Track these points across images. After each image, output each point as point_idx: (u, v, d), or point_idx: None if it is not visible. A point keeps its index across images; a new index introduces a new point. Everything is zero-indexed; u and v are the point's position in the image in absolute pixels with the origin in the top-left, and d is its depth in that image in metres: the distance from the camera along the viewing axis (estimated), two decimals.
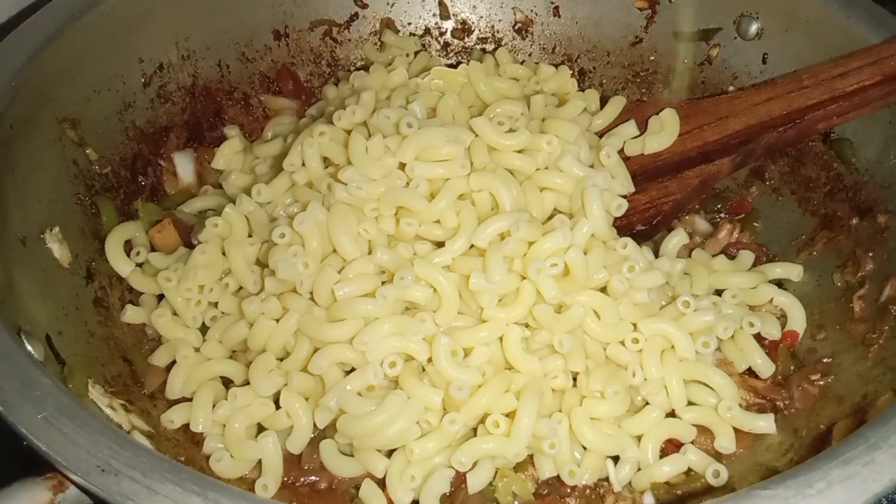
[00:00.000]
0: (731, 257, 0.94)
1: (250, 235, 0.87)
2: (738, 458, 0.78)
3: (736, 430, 0.79)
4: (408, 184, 0.82)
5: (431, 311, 0.77)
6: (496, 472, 0.76)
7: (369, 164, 0.82)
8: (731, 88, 1.03)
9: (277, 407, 0.77)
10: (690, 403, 0.80)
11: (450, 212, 0.81)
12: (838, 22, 0.90)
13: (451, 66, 1.15)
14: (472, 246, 0.80)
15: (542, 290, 0.77)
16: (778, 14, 0.97)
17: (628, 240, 0.82)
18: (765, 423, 0.78)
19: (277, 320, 0.79)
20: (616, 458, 0.77)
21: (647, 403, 0.79)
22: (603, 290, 0.81)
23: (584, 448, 0.76)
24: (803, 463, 0.54)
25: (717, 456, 0.78)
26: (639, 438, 0.78)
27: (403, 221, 0.81)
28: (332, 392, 0.74)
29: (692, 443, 0.78)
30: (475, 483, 0.74)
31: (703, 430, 0.80)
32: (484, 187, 0.83)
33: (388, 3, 1.15)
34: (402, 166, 0.82)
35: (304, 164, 0.87)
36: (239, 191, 0.96)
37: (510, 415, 0.74)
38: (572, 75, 1.09)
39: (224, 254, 0.86)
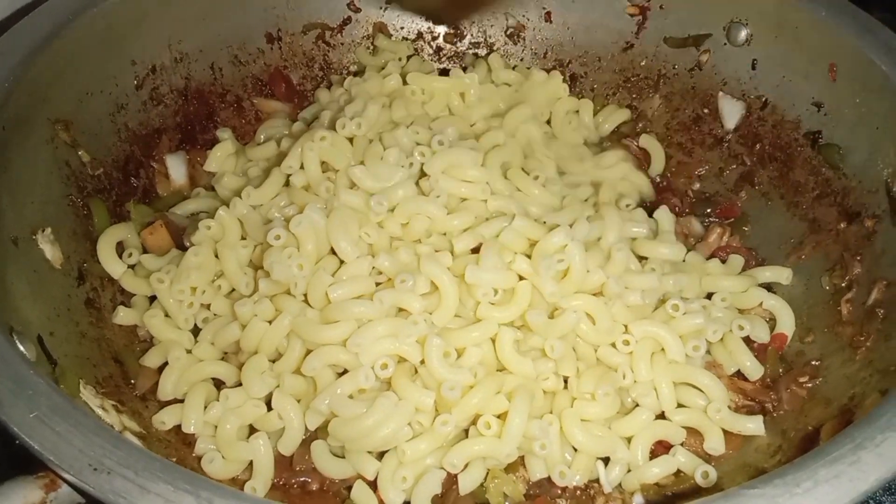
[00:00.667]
0: (722, 261, 0.95)
1: (243, 238, 0.87)
2: (726, 460, 0.78)
3: (725, 432, 0.79)
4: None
5: (427, 312, 0.78)
6: (487, 474, 0.76)
7: (385, 169, 0.83)
8: (720, 94, 1.04)
9: (269, 408, 0.77)
10: (680, 405, 0.80)
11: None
12: (826, 29, 0.91)
13: (443, 70, 1.16)
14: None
15: (542, 287, 0.77)
16: (767, 21, 0.98)
17: (623, 244, 0.83)
18: (754, 425, 0.79)
19: (270, 322, 0.79)
20: (606, 460, 0.78)
21: (638, 405, 0.80)
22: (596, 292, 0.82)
23: (575, 449, 0.77)
24: (791, 462, 0.55)
25: (707, 457, 0.79)
26: (629, 440, 0.78)
27: (416, 218, 0.82)
28: (324, 394, 0.74)
29: (682, 444, 0.79)
30: (466, 484, 0.74)
31: (693, 432, 0.80)
32: (501, 209, 0.85)
33: (380, 8, 1.15)
34: (419, 178, 0.85)
35: (301, 168, 0.87)
36: (231, 193, 0.96)
37: (501, 416, 0.74)
38: (564, 80, 1.10)
39: (216, 256, 0.86)
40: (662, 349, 0.81)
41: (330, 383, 0.75)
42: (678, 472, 0.78)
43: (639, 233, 0.89)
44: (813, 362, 0.84)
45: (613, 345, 0.80)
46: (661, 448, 0.79)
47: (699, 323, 0.82)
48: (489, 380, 0.75)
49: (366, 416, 0.72)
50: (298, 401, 0.77)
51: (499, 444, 0.73)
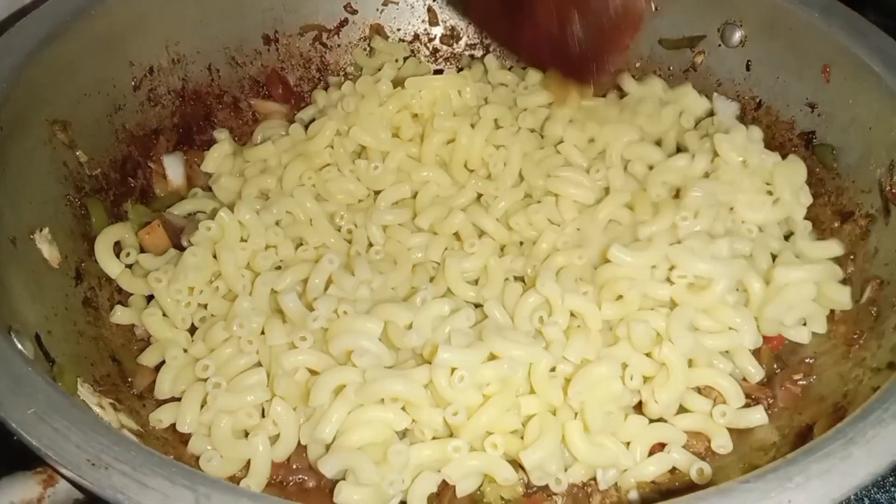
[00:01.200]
0: None
1: (243, 240, 0.88)
2: (721, 456, 0.78)
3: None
4: None
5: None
6: (485, 477, 0.76)
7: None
8: (714, 95, 1.05)
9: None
10: (684, 410, 0.80)
11: None
12: (819, 30, 0.92)
13: (438, 71, 1.17)
14: None
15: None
16: (761, 22, 0.99)
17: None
18: (759, 416, 0.79)
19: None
20: None
21: (640, 401, 0.80)
22: None
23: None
24: (783, 457, 0.55)
25: (702, 454, 0.79)
26: (626, 444, 0.77)
27: None
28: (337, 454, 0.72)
29: (684, 446, 0.78)
30: (464, 488, 0.74)
31: (695, 432, 0.80)
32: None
33: (377, 10, 1.16)
34: None
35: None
36: (228, 193, 0.97)
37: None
38: None
39: (215, 257, 0.87)
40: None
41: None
42: (673, 469, 0.77)
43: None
44: (807, 360, 0.84)
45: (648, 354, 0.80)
46: (657, 446, 0.79)
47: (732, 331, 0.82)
48: (500, 398, 0.74)
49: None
50: (294, 409, 0.77)
51: (503, 468, 0.73)
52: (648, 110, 1.01)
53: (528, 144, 0.99)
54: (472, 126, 0.98)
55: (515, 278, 0.89)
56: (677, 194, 0.92)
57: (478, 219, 0.92)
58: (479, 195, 0.96)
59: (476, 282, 0.89)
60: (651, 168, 0.95)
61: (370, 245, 0.92)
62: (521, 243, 0.93)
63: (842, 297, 0.84)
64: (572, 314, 0.81)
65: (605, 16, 0.78)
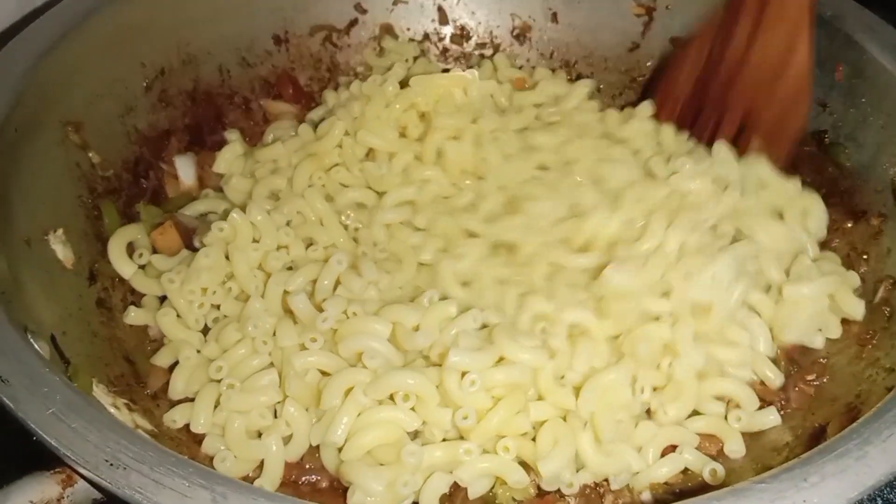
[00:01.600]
0: None
1: (255, 241, 0.88)
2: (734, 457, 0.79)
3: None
4: None
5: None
6: (497, 479, 0.76)
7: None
8: None
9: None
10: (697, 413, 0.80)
11: None
12: (831, 28, 0.92)
13: (447, 71, 1.17)
14: None
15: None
16: None
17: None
18: (773, 417, 0.79)
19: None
20: None
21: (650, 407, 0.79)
22: None
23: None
24: (798, 458, 0.55)
25: (714, 455, 0.79)
26: (638, 448, 0.77)
27: None
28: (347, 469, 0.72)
29: (697, 448, 0.78)
30: (476, 489, 0.74)
31: (708, 435, 0.80)
32: None
33: (387, 9, 1.16)
34: None
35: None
36: (240, 194, 0.97)
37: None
38: (569, 80, 1.11)
39: (227, 258, 0.87)
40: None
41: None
42: (686, 470, 0.77)
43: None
44: (820, 360, 0.84)
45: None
46: (669, 447, 0.79)
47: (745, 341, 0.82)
48: (510, 401, 0.74)
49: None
50: (306, 409, 0.77)
51: (515, 471, 0.73)
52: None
53: (508, 146, 0.97)
54: (457, 138, 0.98)
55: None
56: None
57: (465, 220, 0.91)
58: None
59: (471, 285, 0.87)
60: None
61: (375, 244, 0.92)
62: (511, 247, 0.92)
63: (855, 309, 0.83)
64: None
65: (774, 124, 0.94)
